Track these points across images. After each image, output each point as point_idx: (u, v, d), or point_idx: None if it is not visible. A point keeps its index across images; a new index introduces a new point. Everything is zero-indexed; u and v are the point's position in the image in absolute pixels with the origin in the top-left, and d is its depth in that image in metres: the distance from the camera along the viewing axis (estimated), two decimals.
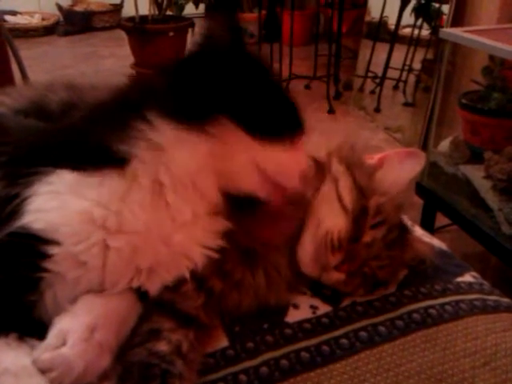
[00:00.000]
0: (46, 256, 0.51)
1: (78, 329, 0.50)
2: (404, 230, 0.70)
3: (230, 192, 0.56)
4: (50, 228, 0.51)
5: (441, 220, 1.85)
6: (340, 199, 0.64)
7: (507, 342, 0.61)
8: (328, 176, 0.66)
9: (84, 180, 0.52)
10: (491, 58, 1.66)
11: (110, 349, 0.51)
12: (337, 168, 0.66)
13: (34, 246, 0.50)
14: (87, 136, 0.55)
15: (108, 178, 0.52)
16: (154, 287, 0.56)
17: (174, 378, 0.50)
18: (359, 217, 0.62)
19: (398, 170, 0.69)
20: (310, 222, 0.64)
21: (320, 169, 0.66)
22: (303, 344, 0.59)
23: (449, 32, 1.56)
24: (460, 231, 1.72)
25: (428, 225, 1.80)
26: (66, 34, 4.53)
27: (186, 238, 0.56)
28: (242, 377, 0.55)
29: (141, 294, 0.56)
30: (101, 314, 0.52)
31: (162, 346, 0.53)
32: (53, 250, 0.51)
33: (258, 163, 0.54)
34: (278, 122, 0.55)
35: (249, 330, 0.60)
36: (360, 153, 0.70)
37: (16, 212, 0.51)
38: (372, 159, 0.71)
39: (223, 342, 0.59)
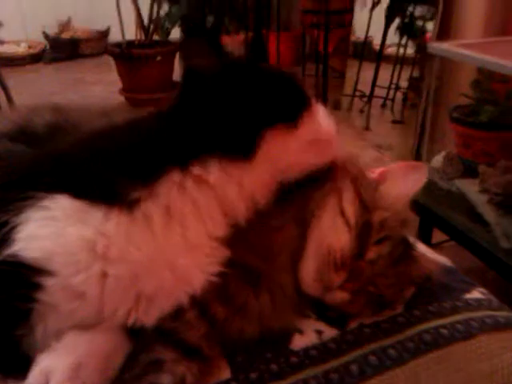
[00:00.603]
0: (39, 287, 0.47)
1: (61, 368, 0.47)
2: (408, 247, 0.67)
3: (286, 182, 0.58)
4: (44, 257, 0.47)
5: (437, 236, 1.83)
6: (343, 213, 0.61)
7: None
8: (333, 188, 0.64)
9: (88, 208, 0.49)
10: (480, 71, 1.67)
11: None
12: (342, 181, 0.64)
13: (26, 277, 0.47)
14: (93, 170, 0.52)
15: (114, 214, 0.50)
16: (151, 318, 0.52)
17: None
18: (363, 232, 0.60)
19: (402, 183, 0.66)
20: (311, 237, 0.61)
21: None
22: (310, 372, 0.55)
23: (437, 47, 1.56)
24: (456, 247, 1.70)
25: (425, 241, 1.78)
26: (53, 61, 4.53)
27: (190, 262, 0.53)
28: None
29: (132, 331, 0.52)
30: (85, 352, 0.49)
31: (165, 379, 0.49)
32: (47, 280, 0.47)
33: (307, 139, 0.58)
34: (294, 102, 0.59)
35: (252, 360, 0.57)
36: (363, 167, 0.68)
37: (5, 240, 0.48)
38: (373, 173, 0.69)
39: (225, 374, 0.55)
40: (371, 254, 0.60)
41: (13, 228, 0.48)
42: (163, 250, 0.51)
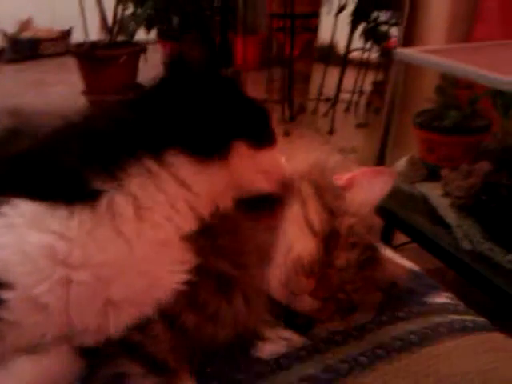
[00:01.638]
0: None
1: None
2: (375, 252, 0.67)
3: (241, 197, 0.59)
4: (1, 268, 0.44)
5: (396, 238, 1.85)
6: (308, 222, 0.61)
7: (491, 363, 0.59)
8: (297, 197, 0.63)
9: (48, 211, 0.46)
10: (444, 77, 1.70)
11: None
12: (306, 190, 0.64)
13: None
14: (51, 166, 0.50)
15: (78, 211, 0.47)
16: (118, 329, 0.50)
17: None
18: (330, 239, 0.60)
19: (368, 189, 0.67)
20: (279, 245, 0.61)
21: (287, 187, 0.64)
22: (280, 381, 0.54)
23: (403, 52, 1.58)
24: (413, 249, 1.72)
25: (386, 243, 1.79)
26: (12, 61, 4.39)
27: (159, 266, 0.51)
28: None
29: (85, 350, 0.50)
30: (31, 379, 0.46)
31: None
32: (5, 294, 0.44)
33: (263, 168, 0.59)
34: (261, 130, 0.60)
35: (220, 371, 0.55)
36: (329, 174, 0.68)
37: None
38: (340, 180, 0.69)
39: None
40: (340, 260, 0.59)
41: None
42: (132, 248, 0.49)
